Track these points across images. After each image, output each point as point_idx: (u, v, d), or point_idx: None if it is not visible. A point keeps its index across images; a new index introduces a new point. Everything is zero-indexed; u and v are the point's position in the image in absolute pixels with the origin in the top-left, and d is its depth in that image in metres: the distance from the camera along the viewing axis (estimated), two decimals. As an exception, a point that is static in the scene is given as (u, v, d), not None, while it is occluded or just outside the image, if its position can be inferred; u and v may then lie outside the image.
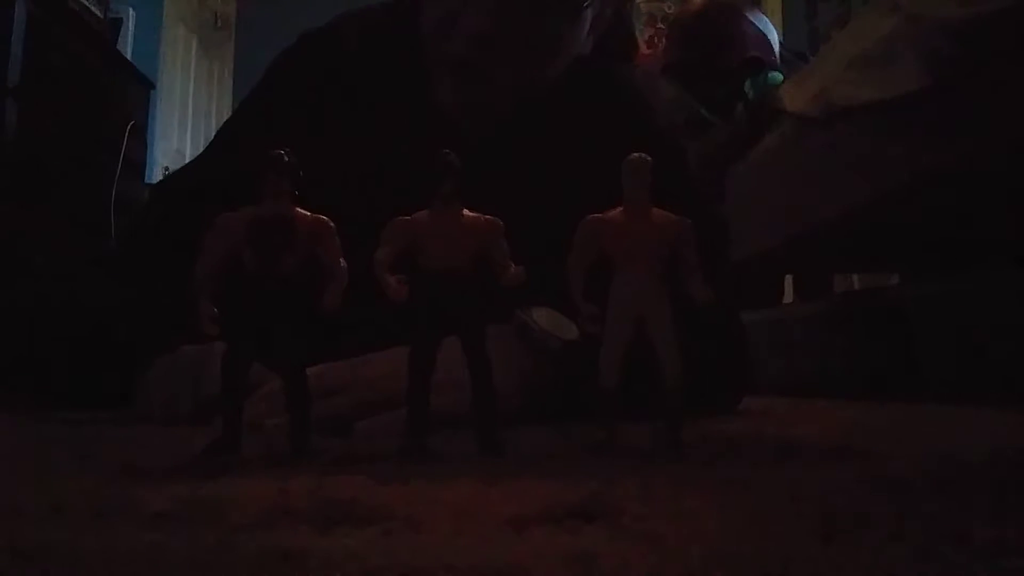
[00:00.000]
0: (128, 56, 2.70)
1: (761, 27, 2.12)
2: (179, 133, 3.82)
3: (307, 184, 0.55)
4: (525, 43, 0.91)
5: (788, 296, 2.36)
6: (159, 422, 0.77)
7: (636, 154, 0.55)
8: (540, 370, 0.76)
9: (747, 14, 2.13)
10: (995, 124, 1.02)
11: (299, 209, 0.55)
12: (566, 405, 0.73)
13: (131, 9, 2.99)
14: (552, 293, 0.62)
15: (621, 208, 0.56)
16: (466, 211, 0.55)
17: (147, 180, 2.65)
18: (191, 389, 0.77)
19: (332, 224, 0.55)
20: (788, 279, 2.37)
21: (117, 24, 2.59)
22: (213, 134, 1.17)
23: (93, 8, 2.25)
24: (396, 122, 0.94)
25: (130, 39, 2.98)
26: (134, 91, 2.46)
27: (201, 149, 1.16)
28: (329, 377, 0.70)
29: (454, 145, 0.55)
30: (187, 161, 1.97)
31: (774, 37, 2.16)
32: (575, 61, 0.98)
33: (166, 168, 3.34)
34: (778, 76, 1.97)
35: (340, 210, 0.55)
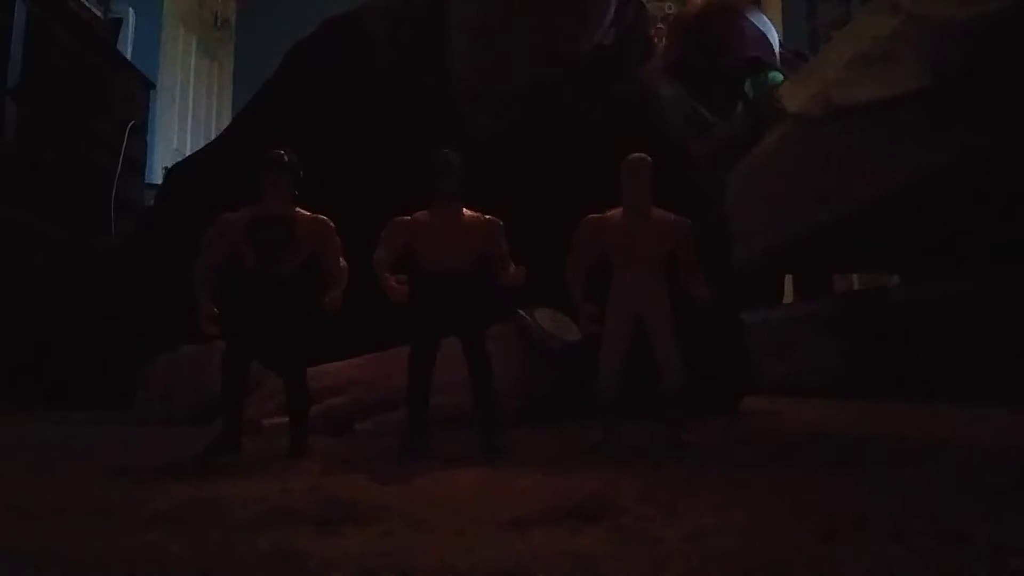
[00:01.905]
0: (128, 56, 2.70)
1: (761, 27, 2.12)
2: (179, 133, 3.82)
3: (322, 168, 0.55)
4: (543, 15, 0.90)
5: (788, 296, 2.36)
6: (159, 422, 0.77)
7: (636, 154, 0.55)
8: (539, 370, 0.76)
9: (747, 14, 2.12)
10: (995, 124, 1.02)
11: (299, 209, 0.55)
12: (565, 406, 0.73)
13: (131, 9, 2.99)
14: (554, 292, 0.62)
15: (621, 208, 0.56)
16: (466, 210, 0.55)
17: (147, 180, 2.65)
18: (191, 389, 0.77)
19: (332, 224, 0.55)
20: (788, 279, 2.37)
21: (117, 24, 2.59)
22: (213, 134, 1.17)
23: (93, 8, 2.24)
24: (413, 112, 0.94)
25: (130, 39, 2.98)
26: (134, 91, 2.46)
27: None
28: (329, 377, 0.70)
29: (464, 138, 0.56)
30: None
31: (774, 37, 2.16)
32: (592, 52, 0.98)
33: (166, 168, 3.34)
34: (778, 76, 1.97)
35: (354, 197, 0.55)
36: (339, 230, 0.54)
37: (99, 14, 2.31)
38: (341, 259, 0.54)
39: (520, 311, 0.78)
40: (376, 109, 0.96)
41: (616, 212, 0.56)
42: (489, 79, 0.95)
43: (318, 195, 0.54)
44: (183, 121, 3.89)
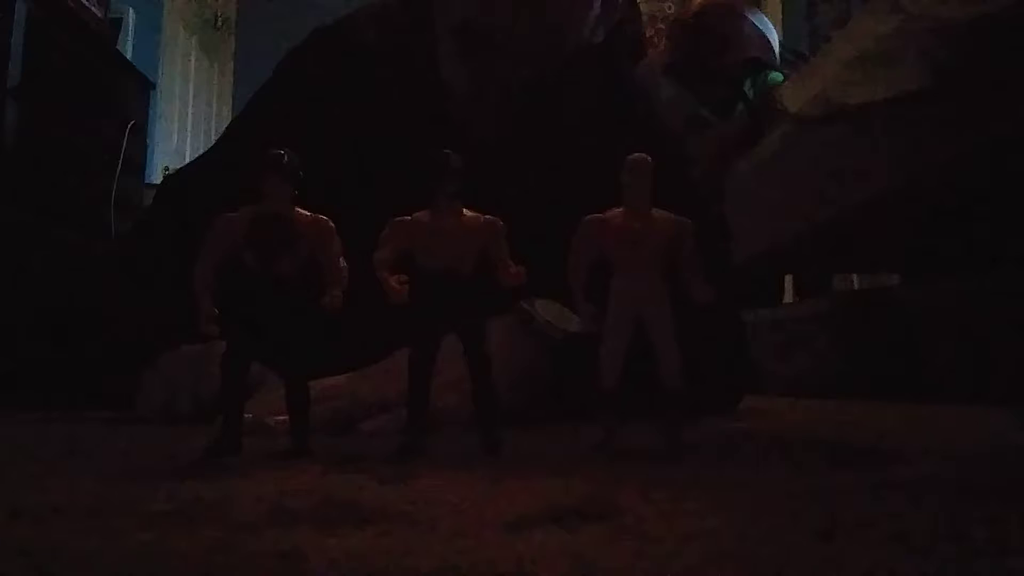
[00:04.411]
0: (128, 56, 2.70)
1: (761, 27, 2.12)
2: (179, 133, 3.82)
3: (316, 177, 0.55)
4: (528, 10, 0.90)
5: (788, 296, 2.36)
6: (159, 422, 0.77)
7: (636, 155, 0.55)
8: (542, 360, 0.76)
9: (747, 14, 2.12)
10: (995, 124, 1.02)
11: (299, 209, 0.55)
12: (567, 397, 0.73)
13: (131, 9, 2.98)
14: (553, 289, 0.62)
15: (621, 208, 0.56)
16: (466, 211, 0.56)
17: (147, 180, 2.65)
18: (191, 389, 0.77)
19: (332, 224, 0.55)
20: (788, 279, 2.37)
21: (117, 24, 2.59)
22: (213, 134, 1.18)
23: (93, 8, 2.24)
24: (409, 116, 0.94)
25: (130, 39, 2.98)
26: (134, 91, 2.45)
27: (201, 149, 1.17)
28: (330, 385, 0.71)
29: (462, 140, 0.56)
30: (187, 160, 1.96)
31: (774, 37, 2.16)
32: (583, 51, 0.98)
33: (166, 168, 3.34)
34: (778, 76, 1.97)
35: (347, 203, 0.56)
36: (339, 231, 0.54)
37: (99, 14, 2.30)
38: (341, 259, 0.54)
39: (522, 303, 0.78)
40: (370, 114, 0.96)
41: (616, 212, 0.56)
42: (479, 77, 0.95)
43: (317, 200, 0.54)
44: (183, 121, 3.88)
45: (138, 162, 2.46)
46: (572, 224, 0.57)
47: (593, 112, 0.94)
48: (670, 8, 3.90)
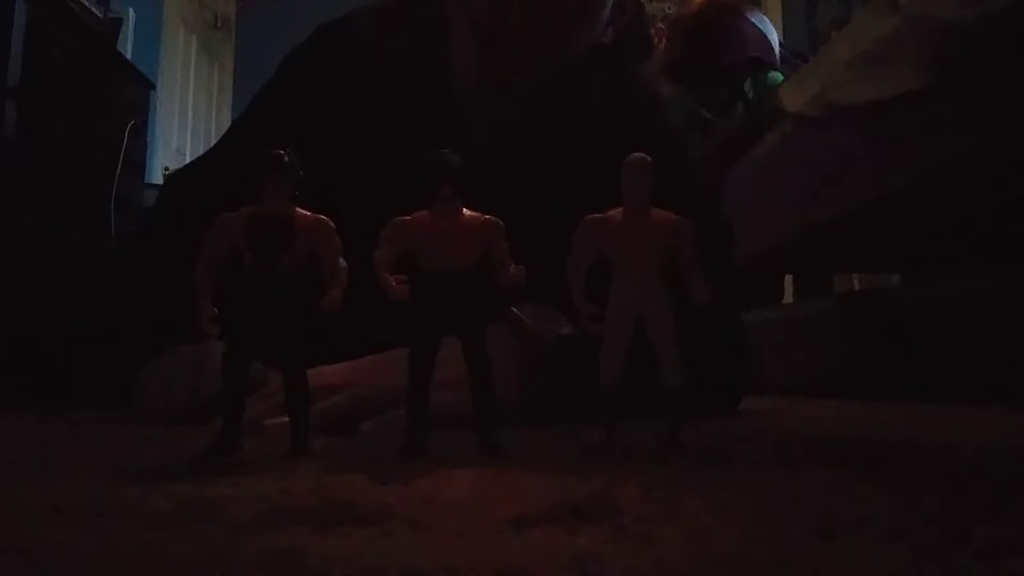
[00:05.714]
0: (128, 56, 2.70)
1: (761, 27, 2.12)
2: (179, 133, 3.82)
3: (319, 179, 0.55)
4: (544, 9, 0.90)
5: (788, 296, 2.36)
6: (159, 422, 0.77)
7: (636, 154, 0.55)
8: (535, 365, 0.76)
9: (747, 14, 2.13)
10: (995, 124, 1.02)
11: (299, 209, 0.55)
12: (564, 399, 0.73)
13: (131, 9, 2.99)
14: (552, 291, 0.62)
15: (621, 208, 0.56)
16: (466, 211, 0.55)
17: (147, 180, 2.65)
18: (191, 389, 0.77)
19: (332, 224, 0.55)
20: (788, 279, 2.37)
21: (117, 24, 2.59)
22: (213, 134, 1.18)
23: (93, 8, 2.24)
24: (413, 116, 0.94)
25: (130, 39, 2.99)
26: (134, 91, 2.46)
27: (201, 149, 1.17)
28: (328, 377, 0.70)
29: (467, 140, 0.56)
30: (188, 161, 1.96)
31: (774, 37, 2.16)
32: (592, 51, 0.97)
33: (166, 168, 3.34)
34: (778, 76, 1.97)
35: (351, 204, 0.55)
36: (339, 231, 0.54)
37: (99, 14, 2.30)
38: (341, 259, 0.54)
39: (512, 308, 0.78)
40: (373, 113, 0.96)
41: (616, 212, 0.56)
42: (490, 75, 0.95)
43: (316, 201, 0.54)
44: (183, 121, 3.88)
45: (138, 162, 2.46)
46: (572, 225, 0.56)
47: (600, 113, 0.94)
48: (670, 8, 3.90)
